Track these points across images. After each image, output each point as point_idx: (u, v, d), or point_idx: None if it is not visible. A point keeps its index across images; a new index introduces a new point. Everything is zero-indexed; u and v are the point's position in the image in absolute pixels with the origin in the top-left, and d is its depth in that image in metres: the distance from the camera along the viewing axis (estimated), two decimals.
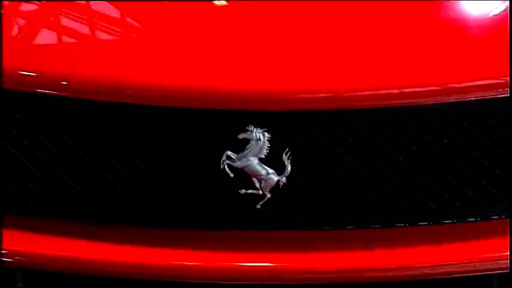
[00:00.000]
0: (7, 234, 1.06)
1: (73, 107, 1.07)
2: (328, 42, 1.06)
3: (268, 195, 0.97)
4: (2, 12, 1.23)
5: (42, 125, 1.08)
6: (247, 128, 0.95)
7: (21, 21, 1.30)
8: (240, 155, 0.97)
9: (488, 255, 1.07)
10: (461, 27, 1.18)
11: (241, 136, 0.96)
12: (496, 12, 1.21)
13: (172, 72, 1.03)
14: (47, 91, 1.07)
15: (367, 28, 1.11)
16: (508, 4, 1.21)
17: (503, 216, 1.09)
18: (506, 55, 1.06)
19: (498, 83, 1.05)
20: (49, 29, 1.28)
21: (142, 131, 1.05)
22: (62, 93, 1.05)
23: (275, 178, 0.97)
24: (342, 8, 1.13)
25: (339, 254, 1.05)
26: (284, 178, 0.97)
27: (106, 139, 1.07)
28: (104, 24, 1.22)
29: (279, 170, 0.97)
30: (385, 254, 1.06)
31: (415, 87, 1.03)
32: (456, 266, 1.08)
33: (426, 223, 1.10)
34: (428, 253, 1.10)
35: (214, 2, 1.15)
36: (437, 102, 1.04)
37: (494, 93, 1.04)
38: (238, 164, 0.98)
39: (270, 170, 0.97)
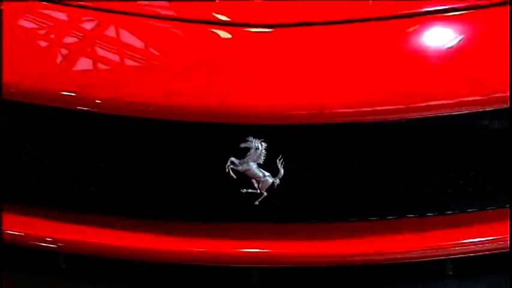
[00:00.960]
0: (53, 225, 1.19)
1: (96, 121, 1.16)
2: (315, 69, 1.12)
3: (265, 194, 1.08)
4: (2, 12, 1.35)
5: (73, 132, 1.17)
6: (248, 139, 1.05)
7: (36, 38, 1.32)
8: (242, 160, 1.07)
9: (460, 241, 1.17)
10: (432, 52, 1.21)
11: (242, 145, 1.05)
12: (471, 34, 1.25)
13: (187, 94, 1.11)
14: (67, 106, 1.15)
15: (353, 51, 1.18)
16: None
17: (476, 210, 1.19)
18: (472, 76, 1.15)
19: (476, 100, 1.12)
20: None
21: (164, 140, 1.16)
22: (99, 110, 1.14)
23: (270, 180, 1.07)
24: (333, 37, 1.19)
25: (322, 242, 1.16)
26: (278, 180, 1.07)
27: (134, 147, 1.19)
28: (128, 51, 1.25)
29: (274, 173, 1.07)
30: (358, 241, 1.18)
31: (380, 106, 1.13)
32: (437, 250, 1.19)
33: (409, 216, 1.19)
34: (409, 241, 1.19)
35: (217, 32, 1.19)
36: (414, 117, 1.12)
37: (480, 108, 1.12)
38: (240, 168, 1.07)
39: (266, 173, 1.07)
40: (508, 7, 1.22)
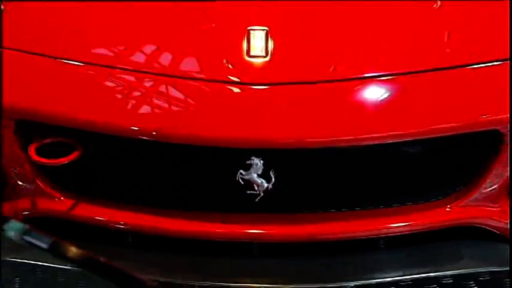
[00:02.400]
0: (124, 214, 1.46)
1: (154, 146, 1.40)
2: (294, 113, 1.37)
3: (262, 194, 1.35)
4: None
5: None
6: (251, 158, 1.33)
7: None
8: (247, 172, 1.34)
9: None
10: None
11: (247, 162, 1.33)
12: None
13: (215, 129, 1.35)
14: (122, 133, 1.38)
15: (320, 101, 1.40)
16: None
17: (398, 205, 1.46)
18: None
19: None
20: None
21: (198, 158, 1.42)
22: (158, 139, 1.37)
23: (266, 184, 1.34)
24: (307, 91, 1.41)
25: (299, 226, 1.45)
26: (270, 185, 1.34)
27: (179, 163, 1.45)
28: (175, 101, 1.46)
29: (268, 180, 1.34)
30: (323, 225, 1.45)
31: (334, 137, 1.37)
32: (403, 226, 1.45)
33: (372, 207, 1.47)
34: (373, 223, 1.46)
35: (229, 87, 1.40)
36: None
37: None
38: (246, 177, 1.34)
39: (263, 180, 1.34)
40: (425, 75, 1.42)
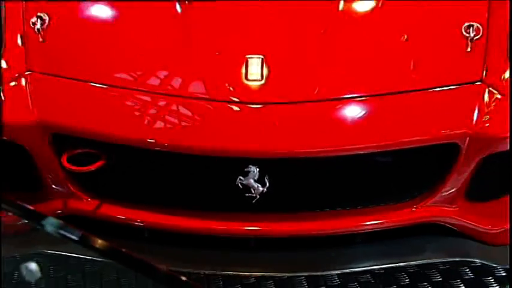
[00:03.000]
0: (141, 213, 1.46)
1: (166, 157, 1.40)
2: (284, 129, 1.38)
3: (258, 197, 1.37)
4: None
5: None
6: (249, 166, 1.35)
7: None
8: (245, 178, 1.36)
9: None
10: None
11: (246, 169, 1.35)
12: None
13: (220, 142, 1.36)
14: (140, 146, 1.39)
15: (305, 119, 1.40)
16: None
17: (371, 206, 1.47)
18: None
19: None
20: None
21: (205, 166, 1.42)
22: (173, 150, 1.39)
23: (261, 188, 1.36)
24: (294, 110, 1.41)
25: (288, 223, 1.46)
26: (265, 188, 1.36)
27: (188, 170, 1.44)
28: (185, 119, 1.45)
29: (263, 185, 1.36)
30: (309, 223, 1.46)
31: (315, 149, 1.39)
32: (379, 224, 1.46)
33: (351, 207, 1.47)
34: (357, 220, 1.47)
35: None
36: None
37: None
38: (244, 182, 1.36)
39: (259, 185, 1.36)
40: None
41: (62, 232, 1.04)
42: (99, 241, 1.03)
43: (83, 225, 1.40)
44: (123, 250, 1.00)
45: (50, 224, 1.03)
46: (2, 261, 1.47)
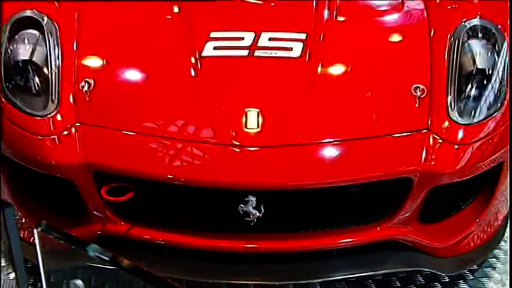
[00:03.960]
0: (162, 233, 1.47)
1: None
2: (276, 167, 1.40)
3: (255, 220, 1.38)
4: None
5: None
6: (248, 196, 1.36)
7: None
8: (245, 206, 1.37)
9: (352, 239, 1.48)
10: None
11: (245, 199, 1.36)
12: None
13: (227, 177, 1.38)
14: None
15: (293, 160, 1.41)
16: None
17: (346, 227, 1.47)
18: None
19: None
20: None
21: (214, 197, 1.43)
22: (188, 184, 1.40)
23: (258, 214, 1.37)
24: (284, 153, 1.42)
25: (279, 242, 1.47)
26: (261, 214, 1.38)
27: (200, 199, 1.45)
28: (195, 158, 1.44)
29: (259, 211, 1.38)
30: (295, 241, 1.48)
31: (296, 183, 1.41)
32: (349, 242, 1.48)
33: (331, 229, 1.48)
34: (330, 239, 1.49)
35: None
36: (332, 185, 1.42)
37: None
38: (244, 209, 1.37)
39: (256, 211, 1.38)
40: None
41: (97, 254, 1.07)
42: (125, 261, 1.04)
43: (118, 243, 1.50)
44: (144, 268, 1.02)
45: (91, 249, 1.08)
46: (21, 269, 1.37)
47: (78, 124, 1.49)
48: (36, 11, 1.64)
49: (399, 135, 1.47)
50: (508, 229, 1.76)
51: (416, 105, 1.51)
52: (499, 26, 1.64)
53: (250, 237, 1.47)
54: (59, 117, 1.50)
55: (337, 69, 1.64)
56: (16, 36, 1.59)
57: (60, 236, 1.14)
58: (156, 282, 0.97)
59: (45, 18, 1.62)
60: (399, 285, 1.73)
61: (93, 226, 1.51)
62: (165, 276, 1.20)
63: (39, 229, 1.13)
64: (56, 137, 1.47)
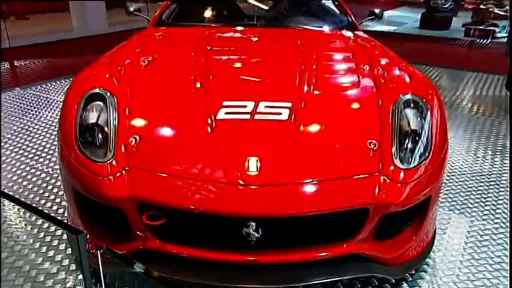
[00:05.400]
0: (185, 249, 1.48)
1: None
2: (271, 200, 1.40)
3: (254, 239, 1.41)
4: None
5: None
6: (250, 222, 1.40)
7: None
8: (247, 229, 1.40)
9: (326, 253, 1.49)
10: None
11: (247, 224, 1.40)
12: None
13: (234, 207, 1.39)
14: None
15: (283, 197, 1.41)
16: None
17: (321, 245, 1.49)
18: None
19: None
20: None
21: (221, 222, 1.43)
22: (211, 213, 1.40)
23: (257, 235, 1.40)
24: (277, 191, 1.42)
25: (273, 256, 1.49)
26: (259, 235, 1.40)
27: (211, 224, 1.47)
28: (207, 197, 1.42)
29: (258, 232, 1.41)
30: (284, 255, 1.50)
31: (293, 211, 1.42)
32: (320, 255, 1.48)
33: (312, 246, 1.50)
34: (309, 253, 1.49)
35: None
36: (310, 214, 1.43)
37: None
38: (247, 231, 1.41)
39: (255, 233, 1.41)
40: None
41: (136, 268, 1.15)
42: (155, 273, 1.14)
43: (154, 255, 1.52)
44: (168, 278, 1.08)
45: (137, 266, 1.16)
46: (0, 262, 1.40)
47: (127, 168, 1.52)
48: (102, 89, 1.75)
49: (359, 176, 1.50)
50: None
51: (371, 155, 1.55)
52: (424, 100, 1.73)
53: (250, 252, 1.47)
54: (114, 163, 1.54)
55: (314, 128, 1.65)
56: (88, 106, 1.68)
57: (114, 255, 1.23)
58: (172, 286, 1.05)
59: (108, 94, 1.73)
60: (360, 286, 1.75)
61: (136, 243, 1.53)
62: (186, 280, 1.38)
63: (101, 251, 1.23)
64: (112, 177, 1.50)
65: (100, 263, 1.21)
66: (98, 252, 1.21)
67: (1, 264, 1.60)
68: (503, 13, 7.31)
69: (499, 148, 3.09)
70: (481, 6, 7.66)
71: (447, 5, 8.26)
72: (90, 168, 1.53)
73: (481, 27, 7.33)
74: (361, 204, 1.46)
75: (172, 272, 1.46)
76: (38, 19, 7.97)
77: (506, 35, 6.18)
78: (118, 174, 1.50)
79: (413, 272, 1.79)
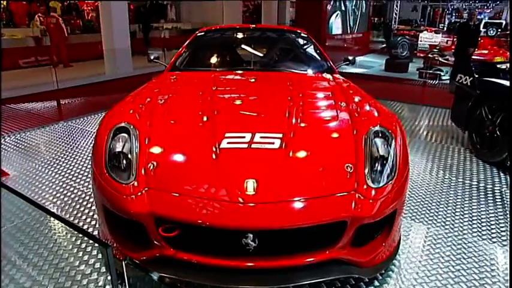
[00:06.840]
0: (196, 256, 1.41)
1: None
2: (266, 215, 1.34)
3: (252, 248, 1.37)
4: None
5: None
6: (248, 234, 1.35)
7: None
8: (246, 239, 1.35)
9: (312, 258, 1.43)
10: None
11: (246, 235, 1.35)
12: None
13: (235, 221, 1.34)
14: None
15: (276, 212, 1.36)
16: None
17: (308, 252, 1.43)
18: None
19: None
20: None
21: (223, 235, 1.38)
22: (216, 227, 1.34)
23: (254, 244, 1.36)
24: (272, 208, 1.36)
25: (267, 261, 1.42)
26: (256, 244, 1.36)
27: (216, 236, 1.40)
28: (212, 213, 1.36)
29: (255, 242, 1.36)
30: (276, 261, 1.42)
31: (286, 225, 1.37)
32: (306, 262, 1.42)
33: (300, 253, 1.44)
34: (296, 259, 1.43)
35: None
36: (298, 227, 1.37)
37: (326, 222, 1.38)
38: (245, 241, 1.36)
39: (253, 243, 1.36)
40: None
41: (152, 275, 1.11)
42: (167, 279, 1.12)
43: (168, 261, 1.44)
44: (179, 284, 1.04)
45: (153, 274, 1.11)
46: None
47: (147, 188, 1.48)
48: (127, 123, 1.71)
49: (338, 195, 1.46)
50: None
51: (348, 176, 1.51)
52: (390, 131, 1.70)
53: (248, 259, 1.43)
54: (136, 184, 1.50)
55: (301, 154, 1.60)
56: (115, 137, 1.65)
57: (135, 265, 1.23)
58: None
59: (132, 126, 1.69)
60: (339, 285, 1.71)
61: (154, 251, 1.48)
62: (195, 282, 1.31)
63: (125, 261, 1.21)
64: (134, 196, 1.47)
65: (125, 270, 1.20)
66: (123, 263, 1.20)
67: (1, 263, 1.58)
68: (445, 61, 7.62)
69: (447, 167, 3.13)
70: (429, 55, 7.95)
71: (404, 53, 8.95)
72: (116, 189, 1.50)
73: (430, 71, 7.63)
74: (341, 217, 1.42)
75: (184, 275, 1.42)
76: (79, 66, 8.14)
77: (448, 77, 6.34)
78: (139, 194, 1.46)
79: (383, 271, 1.76)
